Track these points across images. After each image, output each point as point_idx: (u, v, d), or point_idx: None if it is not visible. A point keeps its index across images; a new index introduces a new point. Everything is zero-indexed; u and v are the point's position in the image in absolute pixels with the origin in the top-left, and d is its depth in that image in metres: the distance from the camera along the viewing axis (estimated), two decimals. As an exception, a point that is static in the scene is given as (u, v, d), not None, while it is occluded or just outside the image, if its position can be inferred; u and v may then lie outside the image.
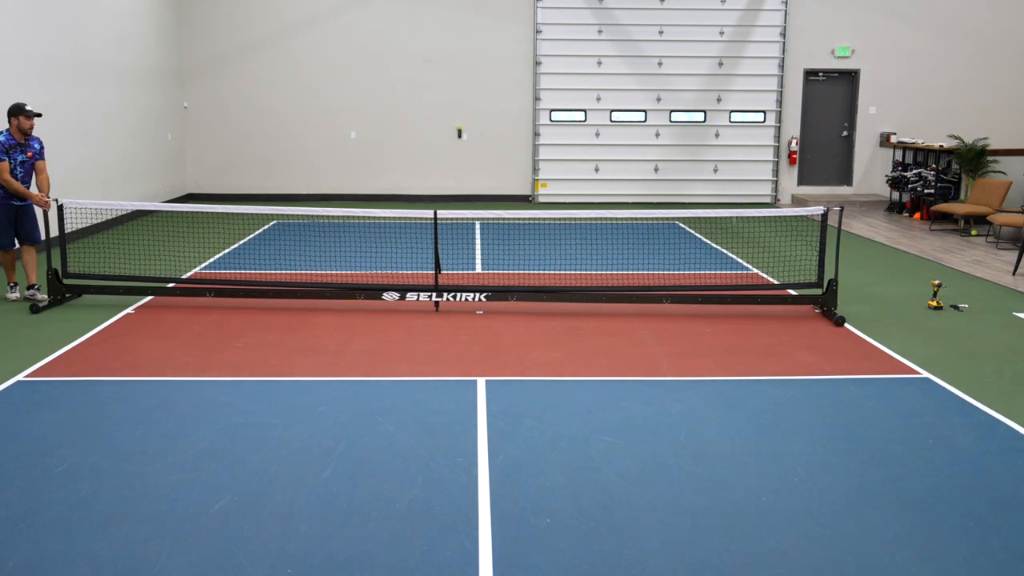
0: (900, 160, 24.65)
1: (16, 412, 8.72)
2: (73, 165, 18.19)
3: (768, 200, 26.59)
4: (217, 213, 19.31)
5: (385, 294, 12.70)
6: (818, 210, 12.27)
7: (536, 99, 26.07)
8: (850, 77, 26.63)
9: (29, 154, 13.24)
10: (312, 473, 7.28)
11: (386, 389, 9.48)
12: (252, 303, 13.06)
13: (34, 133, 13.62)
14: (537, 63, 25.88)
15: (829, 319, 12.24)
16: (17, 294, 13.47)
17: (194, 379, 9.76)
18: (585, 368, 10.26)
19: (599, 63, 25.89)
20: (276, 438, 8.03)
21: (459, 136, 26.23)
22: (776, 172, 26.66)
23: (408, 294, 12.66)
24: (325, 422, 8.45)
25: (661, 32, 25.72)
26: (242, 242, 18.10)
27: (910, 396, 9.45)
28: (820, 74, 26.56)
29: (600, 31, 25.72)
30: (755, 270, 15.75)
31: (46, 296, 13.23)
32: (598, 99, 26.06)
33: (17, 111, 13.08)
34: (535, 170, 26.35)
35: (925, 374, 10.10)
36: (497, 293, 12.64)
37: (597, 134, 26.19)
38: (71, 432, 8.15)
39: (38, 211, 13.71)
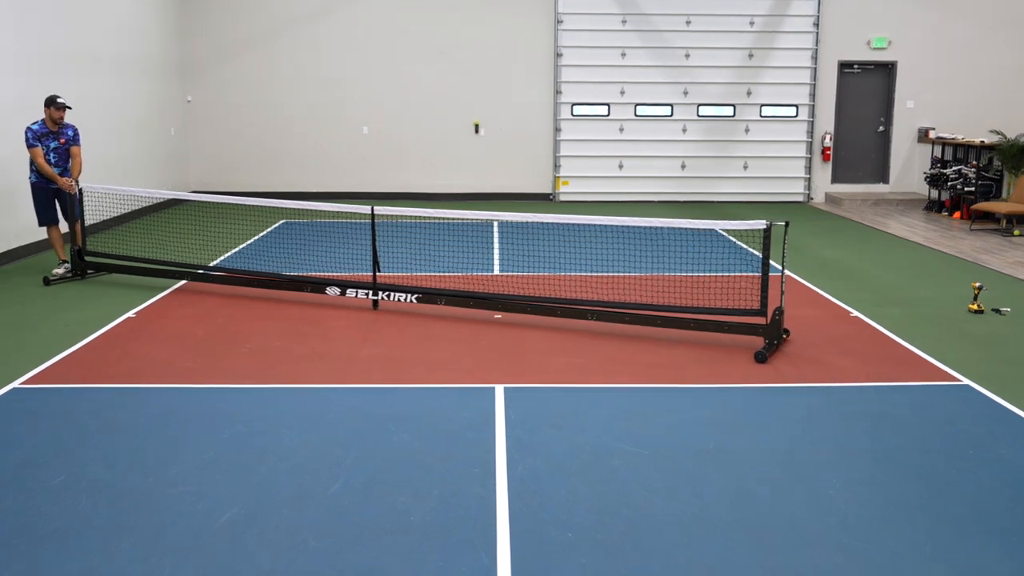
0: (939, 156, 24.59)
1: (11, 421, 8.71)
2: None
3: (801, 199, 26.59)
4: (224, 209, 19.40)
5: (328, 289, 13.25)
6: (759, 224, 11.35)
7: (557, 92, 26.06)
8: (887, 69, 26.55)
9: (62, 141, 15.13)
10: (321, 485, 7.26)
11: (399, 396, 9.48)
12: (261, 307, 13.11)
13: (67, 120, 15.43)
14: (558, 55, 25.86)
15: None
16: (63, 269, 15.25)
17: (198, 386, 9.77)
18: (608, 375, 10.24)
19: (623, 55, 25.86)
20: (284, 448, 8.02)
21: (476, 131, 26.25)
22: (809, 169, 26.58)
23: (348, 290, 13.16)
24: (335, 431, 8.44)
25: (688, 22, 25.66)
26: (249, 242, 18.12)
27: (949, 404, 9.41)
28: (855, 66, 26.48)
29: (624, 21, 25.69)
30: (790, 273, 15.70)
31: (61, 270, 15.21)
32: (622, 93, 26.04)
33: (49, 102, 15.00)
34: (556, 167, 26.36)
35: (965, 381, 10.04)
36: (427, 295, 12.86)
37: (621, 129, 26.18)
38: (68, 442, 8.15)
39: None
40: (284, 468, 7.58)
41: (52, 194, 15.26)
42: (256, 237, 18.72)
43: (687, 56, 25.87)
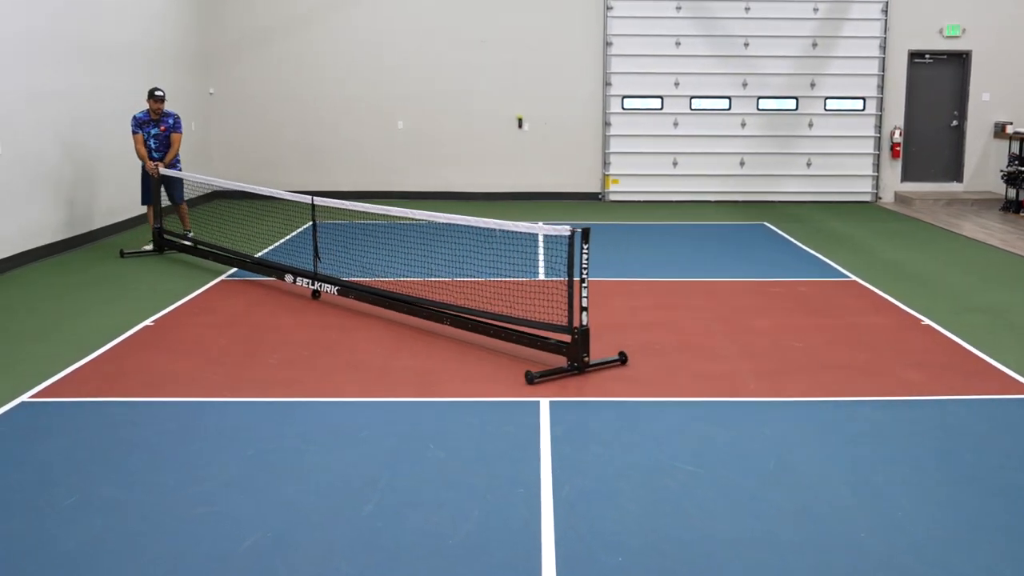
0: (1017, 153, 24.34)
1: (20, 437, 8.73)
2: (85, 155, 18.56)
3: (868, 198, 26.41)
4: (249, 208, 19.44)
5: (286, 276, 14.57)
6: (563, 231, 10.75)
7: (606, 84, 26.00)
8: (960, 59, 26.33)
9: (163, 128, 17.73)
10: (353, 506, 7.24)
11: (437, 411, 9.45)
12: (286, 315, 13.13)
13: (168, 109, 18.07)
14: (607, 44, 25.81)
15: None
16: (150, 246, 17.74)
17: (220, 400, 9.78)
18: (661, 387, 10.21)
19: (677, 43, 25.75)
20: (313, 466, 8.01)
21: (520, 126, 26.22)
22: (877, 167, 26.41)
23: (298, 279, 14.38)
24: (368, 448, 8.41)
25: (747, 8, 25.55)
26: (280, 242, 18.13)
27: (1032, 420, 9.34)
28: (927, 56, 26.28)
29: (679, 7, 25.59)
30: (853, 277, 15.60)
31: (150, 247, 17.72)
32: (676, 84, 25.93)
33: (148, 95, 17.54)
34: (605, 164, 26.31)
35: (1048, 394, 9.97)
36: (344, 288, 13.70)
37: (675, 124, 26.08)
38: (81, 460, 8.16)
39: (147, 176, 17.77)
40: (313, 488, 7.56)
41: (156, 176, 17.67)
42: (287, 237, 18.72)
43: (746, 45, 25.75)
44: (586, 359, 10.56)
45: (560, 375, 10.46)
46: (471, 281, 13.33)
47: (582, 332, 10.47)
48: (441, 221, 12.17)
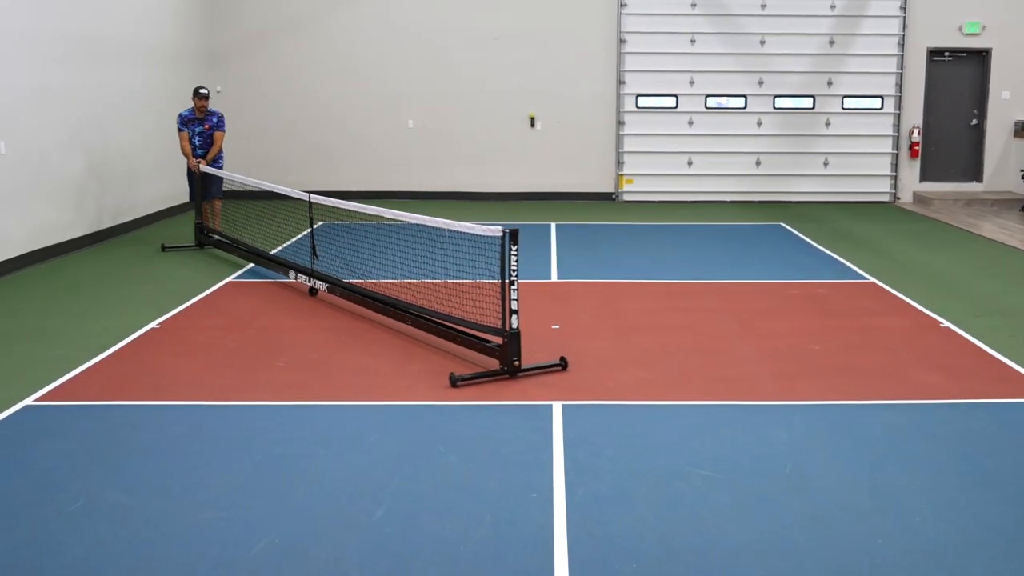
0: (1039, 152, 24.33)
1: (24, 441, 8.71)
2: (91, 154, 18.57)
3: (886, 198, 26.33)
4: (255, 209, 19.48)
5: (290, 272, 14.92)
6: (495, 231, 10.63)
7: (620, 83, 25.92)
8: (980, 57, 26.20)
9: (207, 126, 18.64)
10: (364, 511, 7.21)
11: (448, 415, 9.43)
12: (295, 318, 13.12)
13: (214, 108, 19.17)
14: (621, 41, 25.73)
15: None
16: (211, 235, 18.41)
17: (228, 403, 9.76)
18: (677, 391, 10.19)
19: (692, 41, 25.66)
20: (323, 471, 7.99)
21: (532, 125, 26.15)
22: (895, 166, 26.30)
23: (299, 276, 14.61)
24: (378, 452, 8.39)
25: (764, 6, 25.44)
26: (288, 243, 18.11)
27: (1054, 424, 9.28)
28: (946, 54, 26.16)
29: (694, 4, 25.47)
30: (871, 278, 15.55)
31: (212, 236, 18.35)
32: (691, 83, 25.85)
33: (193, 94, 18.54)
34: (619, 164, 26.24)
35: (1070, 399, 9.91)
36: (332, 285, 13.86)
37: (690, 123, 26.00)
38: (86, 464, 8.14)
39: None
40: (323, 493, 7.55)
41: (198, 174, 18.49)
42: (298, 237, 18.69)
43: (762, 43, 25.66)
44: (516, 363, 10.48)
45: (488, 379, 10.42)
46: (473, 283, 13.31)
47: (512, 335, 10.39)
48: (413, 222, 12.11)
